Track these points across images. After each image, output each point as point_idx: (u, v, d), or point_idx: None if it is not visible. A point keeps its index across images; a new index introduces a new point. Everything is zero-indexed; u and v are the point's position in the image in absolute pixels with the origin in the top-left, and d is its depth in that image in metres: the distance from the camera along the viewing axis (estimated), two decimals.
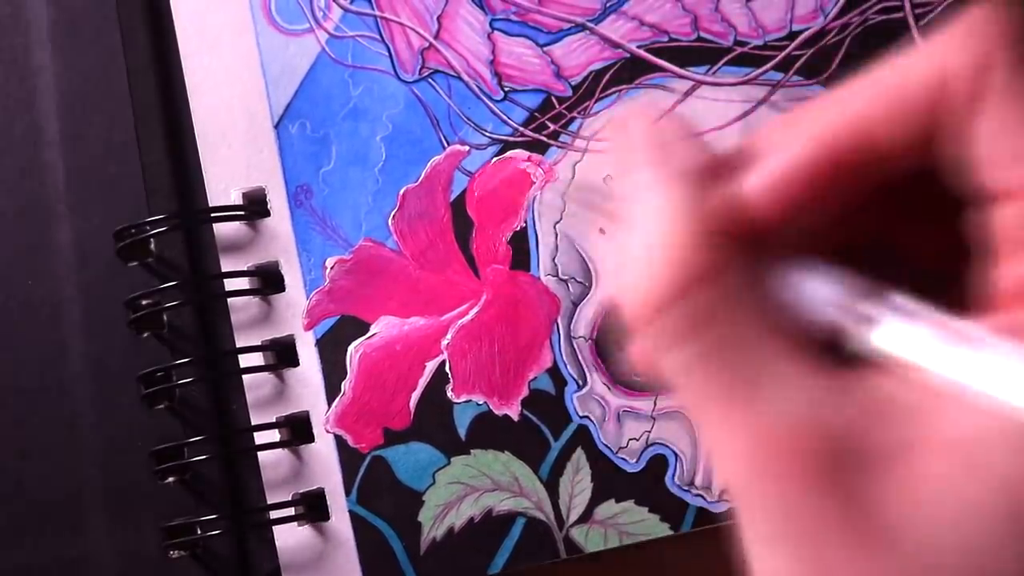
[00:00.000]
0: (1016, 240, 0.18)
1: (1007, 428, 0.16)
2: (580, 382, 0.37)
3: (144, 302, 0.38)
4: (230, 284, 0.38)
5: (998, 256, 0.18)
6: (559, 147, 0.37)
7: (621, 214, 0.20)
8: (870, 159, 0.19)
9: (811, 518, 0.17)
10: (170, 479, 0.37)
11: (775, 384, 0.18)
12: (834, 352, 0.19)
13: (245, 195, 0.38)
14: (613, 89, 0.38)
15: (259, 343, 0.37)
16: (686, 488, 0.36)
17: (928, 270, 0.20)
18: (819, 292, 0.19)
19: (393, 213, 0.38)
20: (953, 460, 0.16)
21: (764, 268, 0.19)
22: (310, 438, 0.37)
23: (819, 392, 0.17)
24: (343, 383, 0.37)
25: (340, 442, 0.37)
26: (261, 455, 0.37)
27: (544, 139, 0.38)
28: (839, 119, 0.19)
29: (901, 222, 0.21)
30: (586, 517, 0.36)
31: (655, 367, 0.19)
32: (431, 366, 0.37)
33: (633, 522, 0.36)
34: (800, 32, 0.37)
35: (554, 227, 0.37)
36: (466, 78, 0.38)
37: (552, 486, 0.36)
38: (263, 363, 0.37)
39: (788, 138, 0.20)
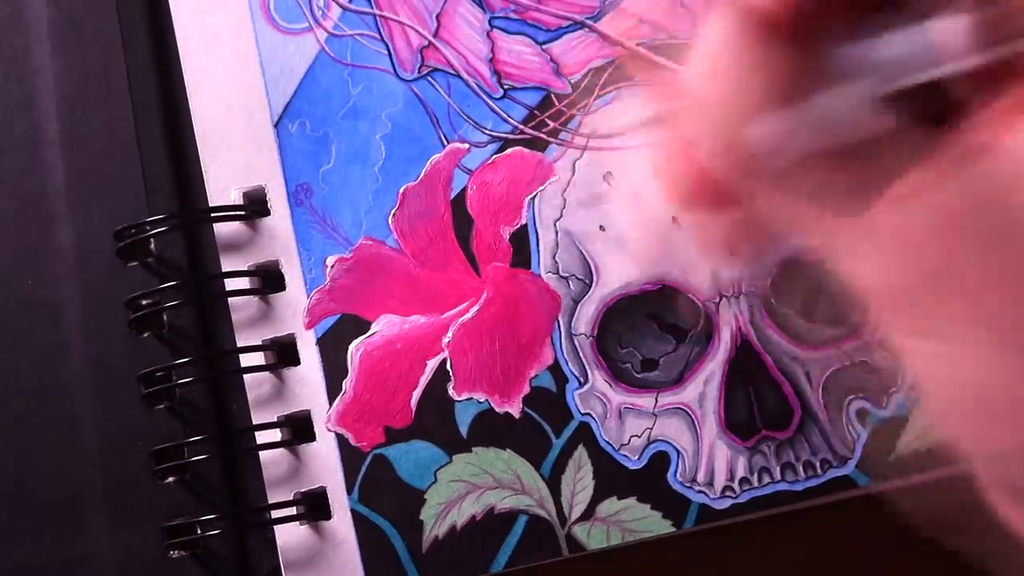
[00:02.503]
0: None
1: None
2: (581, 379, 0.36)
3: (144, 302, 0.38)
4: (230, 284, 0.38)
5: None
6: (559, 144, 0.37)
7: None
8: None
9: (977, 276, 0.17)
10: (170, 479, 0.37)
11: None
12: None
13: (245, 194, 0.38)
14: (612, 86, 0.38)
15: (259, 342, 0.37)
16: (688, 485, 0.36)
17: None
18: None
19: (393, 211, 0.38)
20: None
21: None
22: (311, 437, 0.37)
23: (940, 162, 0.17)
24: (344, 382, 0.37)
25: (341, 441, 0.37)
26: (262, 454, 0.37)
27: (544, 136, 0.38)
28: None
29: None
30: (588, 515, 0.36)
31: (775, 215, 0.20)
32: (432, 364, 0.37)
33: (635, 519, 0.36)
34: None
35: (554, 224, 0.37)
36: (465, 76, 0.38)
37: (554, 484, 0.36)
38: (264, 362, 0.37)
39: None
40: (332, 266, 0.38)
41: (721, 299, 0.36)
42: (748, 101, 0.20)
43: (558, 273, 0.37)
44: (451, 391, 0.37)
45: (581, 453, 0.36)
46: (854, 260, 0.19)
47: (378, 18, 0.39)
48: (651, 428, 0.36)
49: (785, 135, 0.20)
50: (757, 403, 0.36)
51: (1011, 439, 0.17)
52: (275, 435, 0.37)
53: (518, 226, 0.37)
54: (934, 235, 0.18)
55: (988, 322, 0.17)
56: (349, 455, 0.37)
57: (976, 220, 0.17)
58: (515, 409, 0.36)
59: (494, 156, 0.38)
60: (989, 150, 0.17)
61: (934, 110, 0.18)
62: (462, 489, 0.36)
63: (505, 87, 0.38)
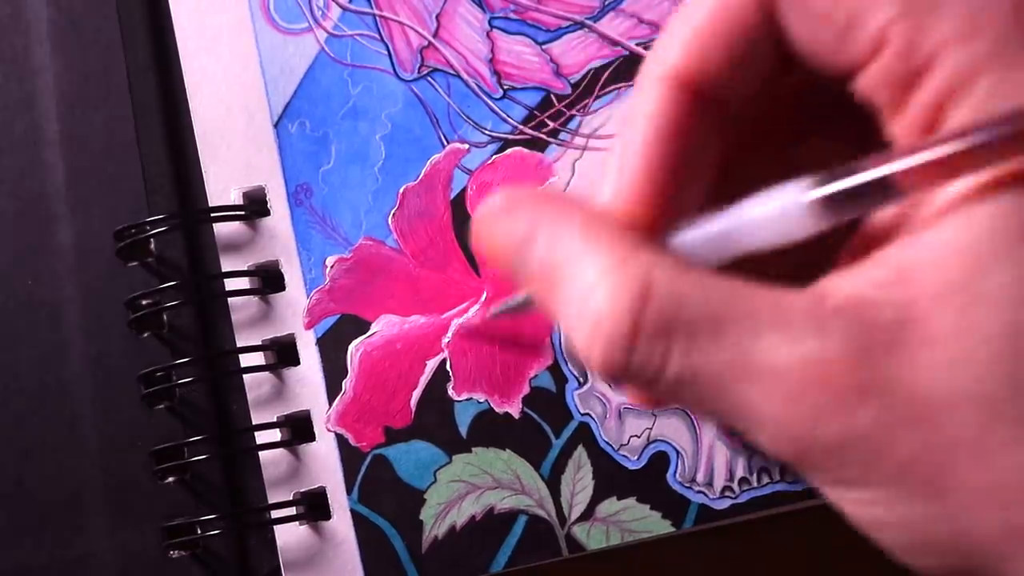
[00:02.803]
0: (894, 90, 0.18)
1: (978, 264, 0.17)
2: (581, 380, 0.36)
3: (144, 302, 0.38)
4: (230, 284, 0.38)
5: (887, 117, 0.18)
6: (558, 145, 0.37)
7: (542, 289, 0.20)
8: (722, 96, 0.20)
9: (869, 427, 0.17)
10: (170, 479, 0.37)
11: (768, 338, 0.18)
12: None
13: (245, 195, 0.38)
14: (612, 87, 0.38)
15: (259, 342, 0.37)
16: (688, 485, 0.36)
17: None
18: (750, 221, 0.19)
19: (393, 212, 0.38)
20: (947, 320, 0.17)
21: (684, 249, 0.20)
22: (311, 437, 0.37)
23: (810, 323, 0.18)
24: (344, 382, 0.37)
25: (341, 441, 0.37)
26: (262, 454, 0.37)
27: (544, 137, 0.38)
28: (678, 62, 0.20)
29: (796, 147, 0.22)
30: (588, 515, 0.36)
31: (654, 396, 0.20)
32: (432, 364, 0.37)
33: (635, 519, 0.36)
34: None
35: None
36: (465, 76, 0.38)
37: (553, 484, 0.36)
38: (263, 362, 0.37)
39: (630, 130, 0.20)
40: (332, 266, 0.38)
41: None
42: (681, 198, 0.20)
43: None
44: (451, 391, 0.37)
45: (581, 453, 0.36)
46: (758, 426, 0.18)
47: (378, 18, 0.39)
48: (651, 428, 0.36)
49: (711, 243, 0.20)
50: None
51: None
52: (275, 435, 0.37)
53: None
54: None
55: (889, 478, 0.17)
56: (349, 455, 0.37)
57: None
58: (515, 409, 0.36)
59: (494, 156, 0.38)
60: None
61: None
62: (462, 489, 0.36)
63: (505, 87, 0.38)
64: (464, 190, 0.38)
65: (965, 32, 0.17)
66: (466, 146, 0.38)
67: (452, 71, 0.38)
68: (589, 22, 0.38)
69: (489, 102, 0.38)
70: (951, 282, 0.17)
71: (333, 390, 0.37)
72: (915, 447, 0.17)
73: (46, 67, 0.39)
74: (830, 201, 0.18)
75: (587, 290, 0.19)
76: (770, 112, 0.21)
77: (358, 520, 0.36)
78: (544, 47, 0.38)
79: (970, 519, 0.17)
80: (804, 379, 0.17)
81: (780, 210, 0.18)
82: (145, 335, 0.38)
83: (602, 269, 0.19)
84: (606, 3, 0.38)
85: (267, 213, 0.38)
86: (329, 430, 0.37)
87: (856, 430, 0.17)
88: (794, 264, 0.20)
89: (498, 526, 0.36)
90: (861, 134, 0.20)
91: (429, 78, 0.38)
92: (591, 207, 0.21)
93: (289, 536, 0.37)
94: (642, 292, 0.18)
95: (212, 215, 0.38)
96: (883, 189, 0.17)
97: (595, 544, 0.36)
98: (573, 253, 0.20)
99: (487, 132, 0.38)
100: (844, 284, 0.18)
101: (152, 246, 0.38)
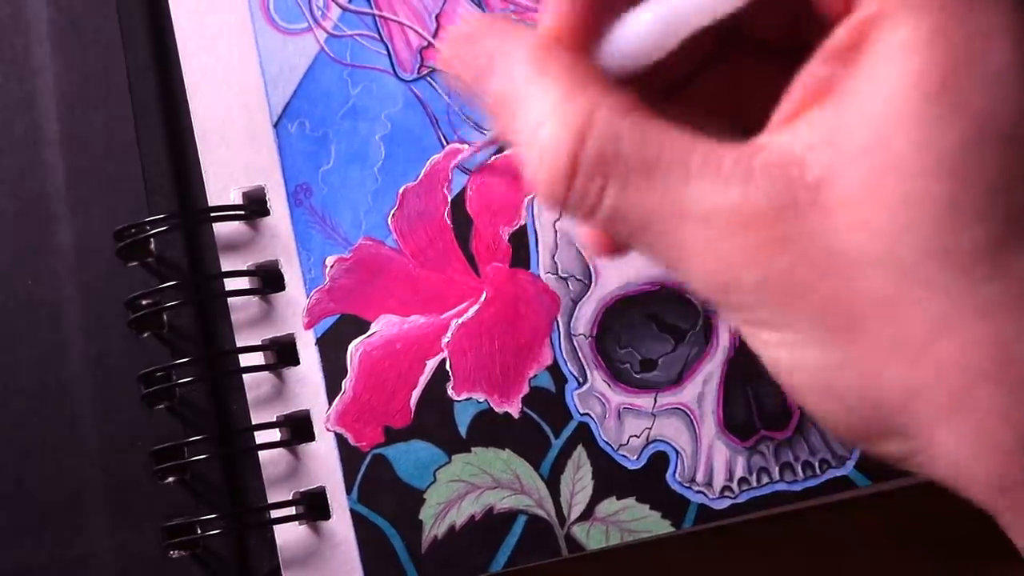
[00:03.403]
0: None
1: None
2: (580, 380, 0.36)
3: (144, 302, 0.38)
4: (230, 284, 0.38)
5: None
6: None
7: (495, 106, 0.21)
8: None
9: (786, 273, 0.18)
10: (170, 479, 0.37)
11: (696, 184, 0.19)
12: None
13: (245, 194, 0.38)
14: None
15: (259, 342, 0.37)
16: (687, 485, 0.36)
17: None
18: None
19: (392, 212, 0.38)
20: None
21: (608, 56, 0.21)
22: (310, 437, 0.37)
23: (737, 174, 0.18)
24: (343, 382, 0.37)
25: (341, 441, 0.37)
26: (261, 454, 0.37)
27: None
28: None
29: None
30: (587, 515, 0.36)
31: (593, 228, 0.20)
32: (431, 364, 0.37)
33: (634, 519, 0.36)
34: None
35: (553, 225, 0.37)
36: None
37: (553, 484, 0.36)
38: (263, 362, 0.37)
39: None
40: (331, 266, 0.38)
41: None
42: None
43: (557, 273, 0.37)
44: (450, 391, 0.37)
45: (580, 453, 0.36)
46: (689, 260, 0.19)
47: (378, 18, 0.39)
48: (650, 428, 0.36)
49: (651, 31, 0.20)
50: (756, 403, 0.36)
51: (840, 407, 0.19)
52: (275, 435, 0.37)
53: (517, 226, 0.37)
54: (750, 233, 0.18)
55: (812, 320, 0.18)
56: (348, 455, 0.37)
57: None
58: (514, 409, 0.36)
59: (494, 157, 0.38)
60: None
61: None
62: (461, 489, 0.36)
63: None
64: (464, 190, 0.38)
65: None
66: (466, 146, 0.38)
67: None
68: None
69: None
70: (864, 146, 0.17)
71: (333, 390, 0.37)
72: (828, 295, 0.18)
73: (46, 67, 0.39)
74: None
75: (535, 124, 0.20)
76: None
77: (358, 520, 0.36)
78: None
79: (876, 369, 0.18)
80: (727, 225, 0.18)
81: None
82: (145, 335, 0.38)
83: (549, 103, 0.20)
84: None
85: (267, 213, 0.38)
86: (329, 430, 0.37)
87: (774, 274, 0.18)
88: (739, 127, 0.21)
89: (498, 526, 0.36)
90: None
91: (429, 78, 0.38)
92: (545, 36, 0.22)
93: (289, 536, 0.37)
94: (582, 130, 0.19)
95: (212, 215, 0.38)
96: None
97: (594, 544, 0.36)
98: (525, 85, 0.21)
99: (487, 132, 0.38)
100: (775, 141, 0.19)
101: (152, 246, 0.38)
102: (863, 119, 0.17)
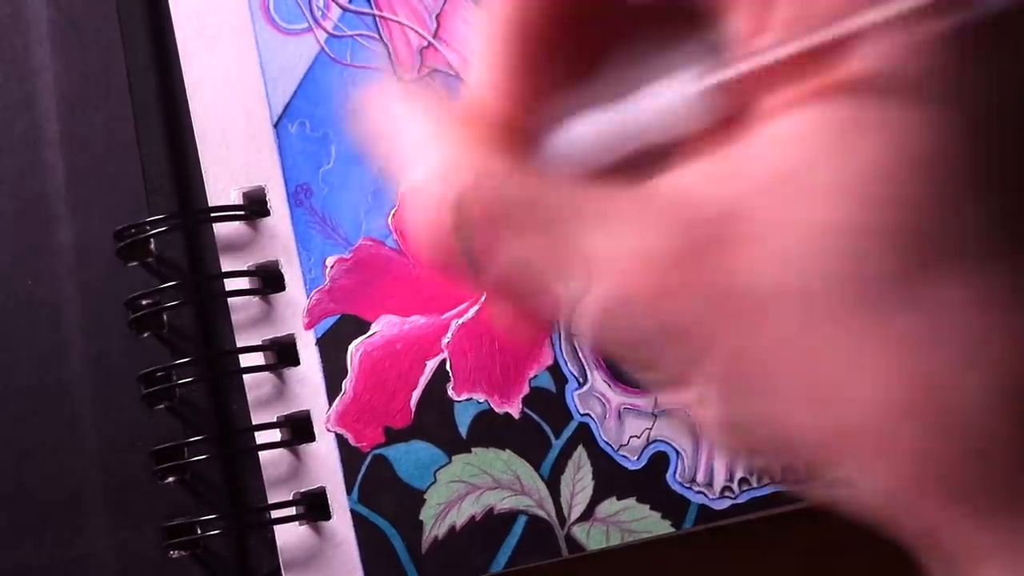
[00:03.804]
0: None
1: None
2: (581, 380, 0.36)
3: (144, 302, 0.38)
4: (230, 284, 0.38)
5: (720, 12, 0.18)
6: None
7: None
8: None
9: (691, 323, 0.17)
10: (170, 479, 0.37)
11: (592, 234, 0.18)
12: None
13: (245, 195, 0.38)
14: None
15: (259, 342, 0.37)
16: (687, 485, 0.36)
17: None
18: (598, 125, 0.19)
19: (393, 212, 0.38)
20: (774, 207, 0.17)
21: (532, 144, 0.20)
22: (311, 437, 0.37)
23: (634, 219, 0.18)
24: (344, 382, 0.37)
25: (341, 441, 0.37)
26: (262, 454, 0.37)
27: None
28: None
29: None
30: (587, 515, 0.36)
31: (481, 284, 0.20)
32: (432, 364, 0.37)
33: (635, 520, 0.36)
34: None
35: None
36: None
37: (553, 484, 0.36)
38: (263, 363, 0.37)
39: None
40: (332, 266, 0.38)
41: None
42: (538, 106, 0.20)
43: None
44: (451, 391, 0.37)
45: (580, 453, 0.36)
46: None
47: (378, 19, 0.39)
48: (650, 428, 0.36)
49: (597, 138, 0.19)
50: None
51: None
52: (275, 435, 0.37)
53: None
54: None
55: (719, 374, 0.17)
56: (349, 455, 0.37)
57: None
58: (515, 409, 0.36)
59: None
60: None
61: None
62: (462, 489, 0.36)
63: None
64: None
65: None
66: None
67: (452, 72, 0.38)
68: None
69: None
70: (777, 175, 0.17)
71: (333, 390, 0.37)
72: (738, 344, 0.17)
73: (46, 67, 0.39)
74: (720, 88, 0.17)
75: (426, 172, 0.19)
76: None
77: (358, 520, 0.36)
78: None
79: (794, 418, 0.17)
80: (628, 272, 0.17)
81: (671, 100, 0.18)
82: (145, 335, 0.38)
83: (441, 155, 0.19)
84: None
85: (267, 213, 0.38)
86: (329, 430, 0.37)
87: (677, 325, 0.17)
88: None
89: (498, 526, 0.36)
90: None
91: (429, 79, 0.38)
92: (454, 101, 0.21)
93: (289, 536, 0.37)
94: (475, 179, 0.19)
95: (212, 215, 0.38)
96: (767, 78, 0.17)
97: (595, 544, 0.36)
98: (426, 140, 0.20)
99: None
100: (673, 180, 0.18)
101: (152, 246, 0.38)
102: (770, 151, 0.17)
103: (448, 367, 0.37)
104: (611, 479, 0.36)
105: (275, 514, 0.36)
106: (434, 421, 0.37)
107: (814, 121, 0.17)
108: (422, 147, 0.20)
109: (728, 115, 0.18)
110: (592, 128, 0.19)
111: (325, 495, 0.37)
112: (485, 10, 0.20)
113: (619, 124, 0.19)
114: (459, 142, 0.19)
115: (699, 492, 0.36)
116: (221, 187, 0.38)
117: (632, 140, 0.19)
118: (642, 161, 0.19)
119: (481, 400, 0.37)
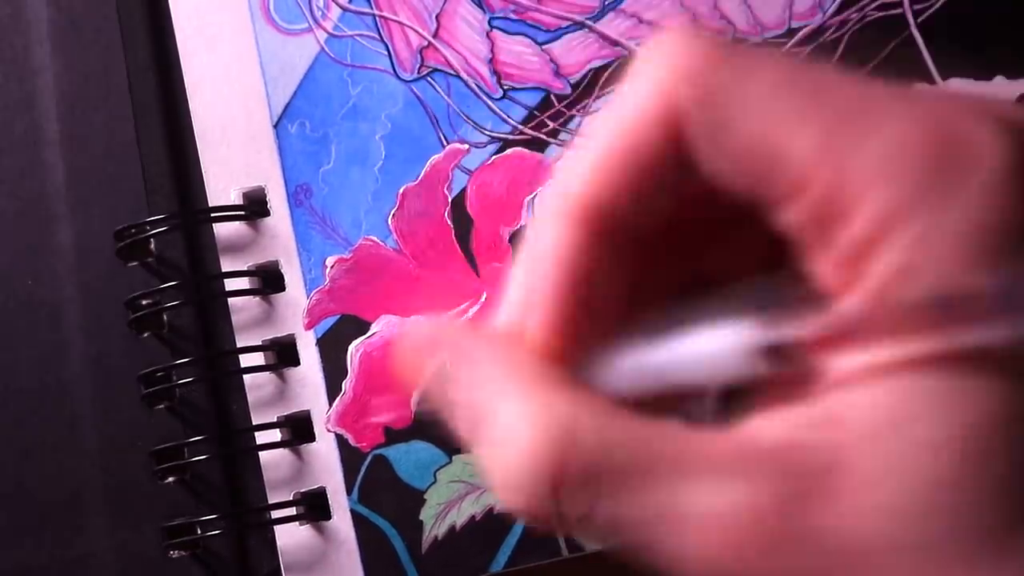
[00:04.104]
0: (816, 228, 0.18)
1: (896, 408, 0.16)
2: None
3: (144, 302, 0.38)
4: (230, 284, 0.38)
5: (807, 253, 0.18)
6: (558, 145, 0.37)
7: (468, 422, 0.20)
8: (628, 225, 0.19)
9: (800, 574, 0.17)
10: (170, 479, 0.37)
11: (696, 485, 0.17)
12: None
13: (245, 195, 0.38)
14: (612, 87, 0.38)
15: (260, 343, 0.37)
16: None
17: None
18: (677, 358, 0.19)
19: (393, 212, 0.38)
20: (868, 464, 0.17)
21: (597, 391, 0.19)
22: (311, 437, 0.37)
23: (738, 468, 0.17)
24: (344, 382, 0.37)
25: (341, 441, 0.37)
26: (262, 455, 0.37)
27: (543, 137, 0.38)
28: (582, 197, 0.19)
29: (707, 252, 0.21)
30: None
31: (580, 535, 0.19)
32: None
33: None
34: (799, 29, 0.37)
35: None
36: (465, 77, 0.38)
37: None
38: (264, 363, 0.37)
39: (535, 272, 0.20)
40: (332, 266, 0.38)
41: None
42: (589, 339, 0.20)
43: None
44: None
45: None
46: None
47: (378, 18, 0.39)
48: None
49: (641, 374, 0.19)
50: None
51: None
52: (275, 435, 0.37)
53: (518, 226, 0.37)
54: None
55: None
56: (349, 455, 0.37)
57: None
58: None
59: (494, 157, 0.38)
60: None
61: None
62: (462, 489, 0.36)
63: (505, 87, 0.38)
64: (464, 190, 0.38)
65: (887, 174, 0.17)
66: (466, 146, 0.38)
67: (452, 71, 0.38)
68: (589, 22, 0.38)
69: (489, 102, 0.38)
70: (877, 427, 0.17)
71: (333, 390, 0.37)
72: None
73: (46, 67, 0.39)
74: (771, 350, 0.17)
75: (507, 432, 0.18)
76: (678, 223, 0.20)
77: (358, 520, 0.36)
78: (544, 47, 0.38)
79: None
80: (733, 526, 0.17)
81: (720, 351, 0.18)
82: (145, 335, 0.38)
83: (523, 410, 0.18)
84: (606, 3, 0.38)
85: (267, 213, 0.38)
86: (329, 430, 0.37)
87: None
88: (714, 399, 0.20)
89: (498, 526, 0.36)
90: (771, 246, 0.19)
91: (429, 78, 0.38)
92: (508, 339, 0.20)
93: (289, 536, 0.37)
94: (566, 437, 0.18)
95: (212, 215, 0.38)
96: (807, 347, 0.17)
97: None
98: (494, 394, 0.19)
99: (487, 132, 0.38)
100: (772, 426, 0.18)
101: (152, 246, 0.38)
102: (873, 400, 0.17)
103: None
104: None
105: (275, 514, 0.36)
106: (434, 421, 0.36)
107: (911, 386, 0.16)
108: (495, 393, 0.19)
109: (790, 369, 0.18)
110: (638, 362, 0.19)
111: (325, 495, 0.37)
112: (532, 248, 0.20)
113: (666, 364, 0.19)
114: (540, 385, 0.19)
115: None
116: (221, 187, 0.38)
117: (675, 381, 0.19)
118: (683, 400, 0.19)
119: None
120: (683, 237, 0.21)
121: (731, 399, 0.19)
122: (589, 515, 0.18)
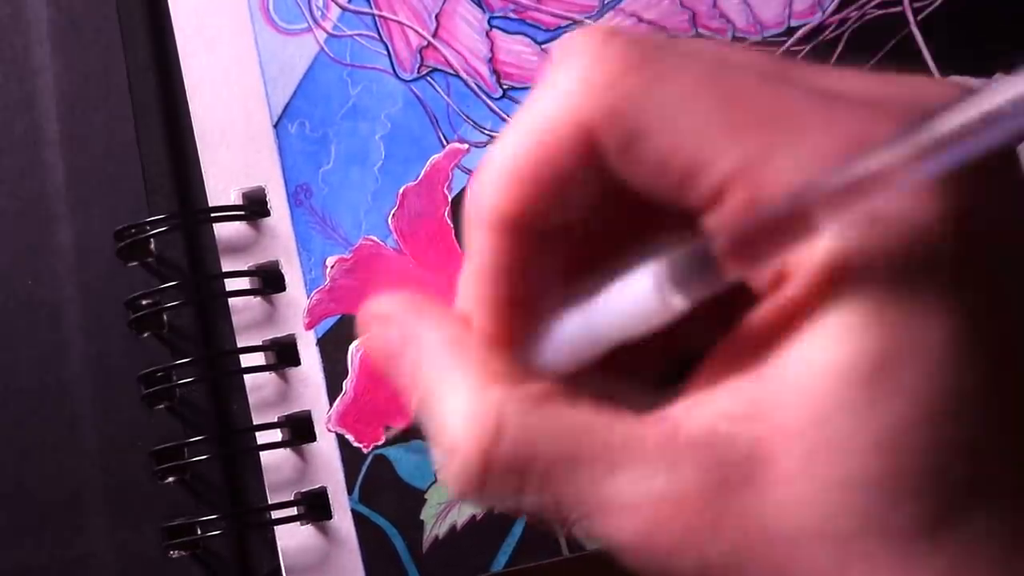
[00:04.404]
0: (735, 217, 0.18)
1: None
2: None
3: (144, 302, 0.38)
4: (230, 284, 0.38)
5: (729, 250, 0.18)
6: None
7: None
8: (549, 224, 0.20)
9: (723, 561, 0.17)
10: (170, 479, 0.37)
11: (620, 474, 0.18)
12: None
13: (245, 195, 0.38)
14: None
15: (260, 343, 0.37)
16: None
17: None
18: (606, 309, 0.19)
19: (393, 212, 0.38)
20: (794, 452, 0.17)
21: (538, 364, 0.20)
22: (312, 437, 0.37)
23: (662, 458, 0.18)
24: (344, 382, 0.37)
25: (342, 441, 0.37)
26: (263, 455, 0.37)
27: None
28: (499, 207, 0.20)
29: (642, 237, 0.21)
30: None
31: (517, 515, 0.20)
32: None
33: None
34: (798, 28, 0.37)
35: None
36: (465, 76, 0.38)
37: None
38: (264, 363, 0.37)
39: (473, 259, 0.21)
40: (332, 266, 0.38)
41: None
42: (525, 312, 0.20)
43: None
44: None
45: None
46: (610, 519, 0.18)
47: (377, 18, 0.39)
48: None
49: (576, 341, 0.20)
50: None
51: None
52: (276, 435, 0.37)
53: None
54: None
55: None
56: (349, 455, 0.37)
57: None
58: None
59: None
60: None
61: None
62: None
63: (504, 87, 0.38)
64: (464, 190, 0.38)
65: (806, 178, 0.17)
66: (466, 146, 0.38)
67: (452, 71, 0.38)
68: (589, 21, 0.38)
69: (489, 102, 0.38)
70: (795, 426, 0.17)
71: (334, 390, 0.37)
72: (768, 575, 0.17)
73: (46, 67, 0.39)
74: (682, 273, 0.18)
75: (444, 417, 0.19)
76: (606, 214, 0.21)
77: (359, 520, 0.36)
78: (544, 46, 0.38)
79: None
80: (658, 513, 0.18)
81: (634, 299, 0.18)
82: (145, 335, 0.38)
83: (458, 398, 0.19)
84: (605, 2, 0.38)
85: (267, 213, 0.38)
86: (330, 430, 0.37)
87: (710, 563, 0.17)
88: (662, 355, 0.21)
89: (498, 525, 0.36)
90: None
91: (429, 78, 0.38)
92: (455, 322, 0.21)
93: (290, 536, 0.37)
94: (494, 429, 0.19)
95: (212, 215, 0.38)
96: (722, 264, 0.17)
97: (595, 543, 0.36)
98: (436, 375, 0.20)
99: (487, 132, 0.38)
100: (697, 415, 0.18)
101: (152, 246, 0.38)
102: (795, 396, 0.17)
103: None
104: None
105: (276, 514, 0.36)
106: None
107: (825, 369, 0.17)
108: (437, 378, 0.20)
109: (716, 297, 0.18)
110: (572, 330, 0.20)
111: (326, 495, 0.37)
112: (468, 240, 0.21)
113: (595, 322, 0.19)
114: (476, 374, 0.19)
115: None
116: (221, 187, 0.38)
117: (609, 337, 0.19)
118: (641, 355, 0.20)
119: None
120: (612, 224, 0.21)
121: (680, 368, 0.20)
122: (519, 502, 0.19)
